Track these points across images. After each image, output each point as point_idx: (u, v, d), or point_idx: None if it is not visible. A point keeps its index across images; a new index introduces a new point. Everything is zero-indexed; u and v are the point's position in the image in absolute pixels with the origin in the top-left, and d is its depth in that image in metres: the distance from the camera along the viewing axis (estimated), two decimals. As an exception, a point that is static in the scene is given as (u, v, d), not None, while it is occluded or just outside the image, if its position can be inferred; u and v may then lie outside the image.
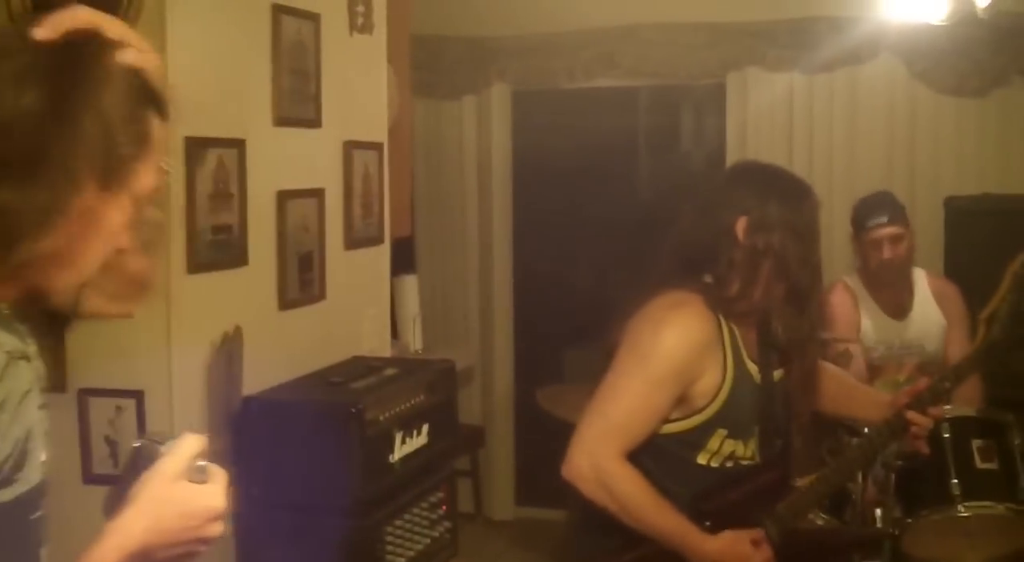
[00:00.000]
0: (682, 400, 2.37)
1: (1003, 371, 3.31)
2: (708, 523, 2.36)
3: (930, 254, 4.56)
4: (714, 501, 2.39)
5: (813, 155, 5.08)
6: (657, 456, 2.38)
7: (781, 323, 2.45)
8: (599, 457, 2.32)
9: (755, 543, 2.38)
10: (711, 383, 2.37)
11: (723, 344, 2.38)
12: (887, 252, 3.87)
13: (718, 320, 2.38)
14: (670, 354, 2.33)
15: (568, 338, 5.79)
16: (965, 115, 4.89)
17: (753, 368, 2.44)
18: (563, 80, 5.51)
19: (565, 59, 5.44)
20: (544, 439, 5.53)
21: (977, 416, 3.28)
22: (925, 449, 2.60)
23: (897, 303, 3.99)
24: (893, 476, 3.14)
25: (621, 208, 5.74)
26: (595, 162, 5.73)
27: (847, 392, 2.74)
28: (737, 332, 2.42)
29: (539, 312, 5.87)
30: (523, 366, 5.82)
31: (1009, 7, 4.02)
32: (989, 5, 3.88)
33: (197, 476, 1.31)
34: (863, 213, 3.96)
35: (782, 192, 2.43)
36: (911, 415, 2.51)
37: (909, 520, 3.14)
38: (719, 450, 2.41)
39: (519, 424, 5.82)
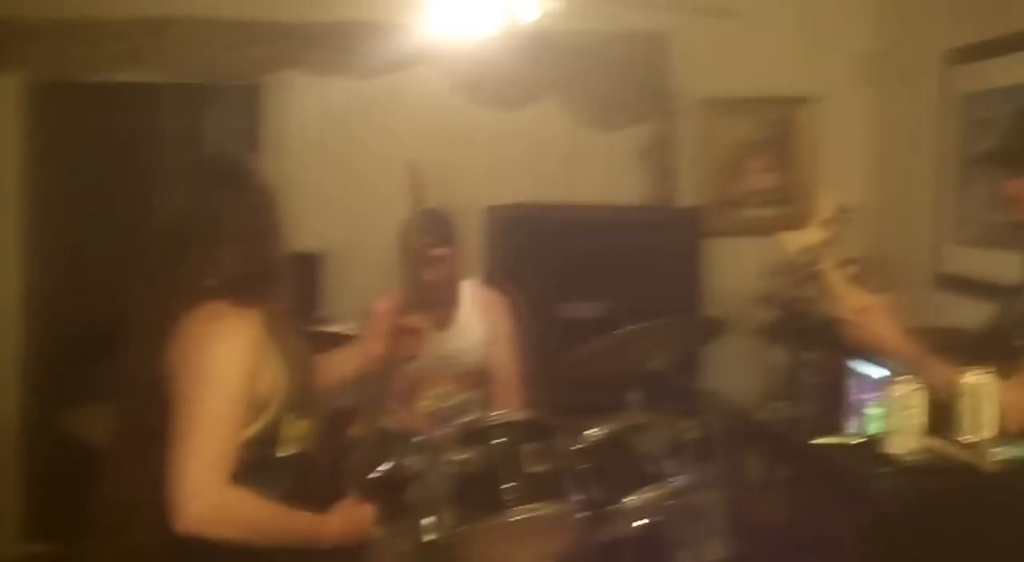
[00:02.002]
0: (250, 403, 2.34)
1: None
2: (312, 510, 2.44)
3: (471, 262, 4.58)
4: (303, 488, 2.43)
5: (352, 162, 5.04)
6: (241, 467, 2.30)
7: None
8: (211, 494, 2.23)
9: (355, 505, 2.56)
10: (270, 375, 2.37)
11: (265, 333, 2.39)
12: (427, 273, 3.82)
13: (252, 312, 2.38)
14: (226, 367, 2.31)
15: (96, 353, 5.28)
16: (503, 127, 5.04)
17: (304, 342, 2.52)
18: (82, 73, 5.06)
19: (86, 50, 4.99)
20: (63, 466, 5.10)
21: (526, 420, 3.30)
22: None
23: (439, 314, 3.94)
24: (446, 484, 3.10)
25: (145, 212, 5.34)
26: (118, 163, 5.31)
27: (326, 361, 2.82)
28: (276, 315, 2.44)
29: (58, 326, 5.33)
30: (38, 387, 5.28)
31: (551, 25, 4.13)
32: (534, 22, 3.96)
33: None
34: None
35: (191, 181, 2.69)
36: (404, 320, 2.83)
37: (461, 528, 3.09)
38: (293, 435, 2.43)
39: (29, 451, 5.24)
